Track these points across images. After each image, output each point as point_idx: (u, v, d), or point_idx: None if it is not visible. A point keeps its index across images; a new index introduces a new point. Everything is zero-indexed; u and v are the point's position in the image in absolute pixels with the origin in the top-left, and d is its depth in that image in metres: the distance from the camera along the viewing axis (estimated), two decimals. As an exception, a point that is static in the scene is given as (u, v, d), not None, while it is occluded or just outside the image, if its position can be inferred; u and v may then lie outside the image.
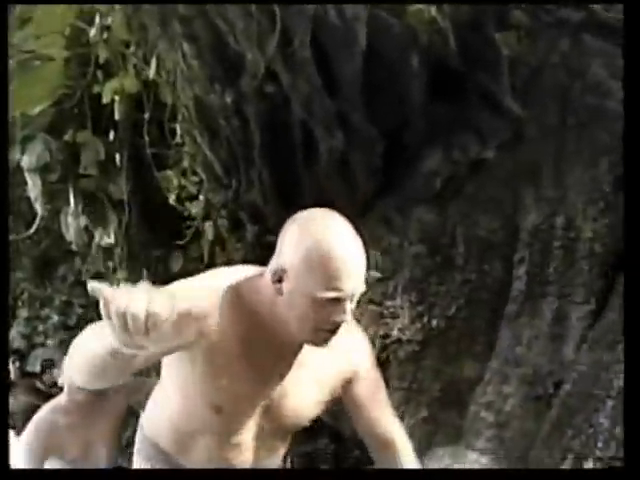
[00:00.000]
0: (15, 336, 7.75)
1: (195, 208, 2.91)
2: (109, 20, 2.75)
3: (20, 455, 2.89)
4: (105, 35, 2.77)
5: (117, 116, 2.97)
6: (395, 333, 2.85)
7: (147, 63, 2.65)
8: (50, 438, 2.92)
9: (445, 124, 2.71)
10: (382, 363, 2.89)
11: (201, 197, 2.81)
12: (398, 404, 2.88)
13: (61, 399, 3.04)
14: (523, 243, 2.66)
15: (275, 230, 2.88)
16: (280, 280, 1.41)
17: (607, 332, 2.48)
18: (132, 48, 2.70)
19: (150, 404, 1.82)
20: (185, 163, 2.81)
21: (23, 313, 7.31)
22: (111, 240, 3.54)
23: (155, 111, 2.84)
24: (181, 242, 3.10)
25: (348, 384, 1.65)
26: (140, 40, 2.61)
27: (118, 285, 3.38)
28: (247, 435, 1.58)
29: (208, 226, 3.17)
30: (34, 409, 5.59)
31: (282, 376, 1.54)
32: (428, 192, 2.77)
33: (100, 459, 3.16)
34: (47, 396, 6.32)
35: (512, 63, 2.57)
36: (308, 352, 1.51)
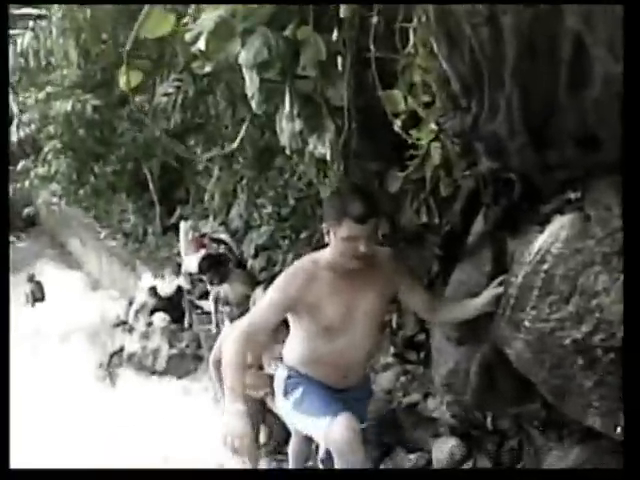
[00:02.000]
0: (234, 217, 8.04)
1: (423, 135, 2.44)
2: None
3: (272, 290, 2.76)
4: None
5: (342, 13, 2.54)
6: None
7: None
8: (307, 287, 2.72)
9: None
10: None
11: (431, 124, 2.33)
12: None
13: (326, 254, 2.81)
14: None
15: (520, 169, 2.34)
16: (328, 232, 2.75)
17: None
18: None
19: None
20: (416, 78, 2.33)
21: (243, 197, 7.49)
22: (326, 149, 3.21)
23: (386, 10, 2.36)
24: (403, 173, 2.68)
25: None
26: None
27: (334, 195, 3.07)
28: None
29: (435, 148, 2.70)
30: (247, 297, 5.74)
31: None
32: None
33: (360, 334, 2.88)
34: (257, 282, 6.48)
35: None
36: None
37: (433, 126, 2.34)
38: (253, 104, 3.40)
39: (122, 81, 2.75)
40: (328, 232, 2.74)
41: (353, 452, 2.68)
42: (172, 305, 7.87)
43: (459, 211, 3.01)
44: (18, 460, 3.29)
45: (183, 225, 7.62)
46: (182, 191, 9.81)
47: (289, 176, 6.17)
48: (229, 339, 2.73)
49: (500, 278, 2.71)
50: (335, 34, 2.64)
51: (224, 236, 7.50)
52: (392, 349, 4.56)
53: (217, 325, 6.80)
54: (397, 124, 2.43)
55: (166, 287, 7.82)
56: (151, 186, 9.43)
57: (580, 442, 3.02)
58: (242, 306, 5.55)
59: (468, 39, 2.07)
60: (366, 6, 2.46)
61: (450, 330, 3.09)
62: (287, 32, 2.98)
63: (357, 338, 2.90)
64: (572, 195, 2.34)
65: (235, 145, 3.56)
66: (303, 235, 6.47)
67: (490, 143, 2.23)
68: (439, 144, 2.68)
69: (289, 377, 3.02)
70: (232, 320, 6.13)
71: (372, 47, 2.32)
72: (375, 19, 2.29)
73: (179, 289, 7.70)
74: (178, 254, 8.28)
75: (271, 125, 3.87)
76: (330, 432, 2.70)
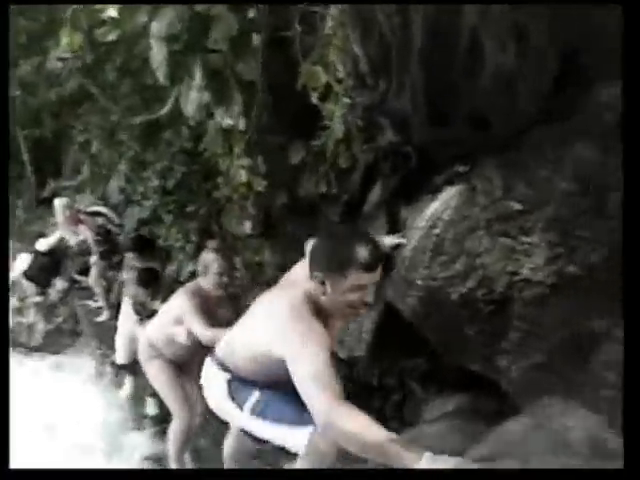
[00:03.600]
0: (113, 190, 7.90)
1: (335, 108, 2.68)
2: None
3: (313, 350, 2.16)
4: None
5: (260, -7, 2.73)
6: (525, 272, 2.65)
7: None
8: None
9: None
10: (505, 301, 2.73)
11: (344, 99, 2.57)
12: (514, 344, 2.74)
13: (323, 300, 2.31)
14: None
15: (418, 144, 2.65)
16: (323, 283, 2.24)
17: None
18: None
19: None
20: (331, 57, 2.57)
21: (123, 168, 7.37)
22: (232, 122, 3.38)
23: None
24: (315, 143, 2.92)
25: None
26: None
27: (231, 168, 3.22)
28: None
29: (338, 122, 2.96)
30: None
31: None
32: (595, 127, 2.47)
33: None
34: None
35: None
36: None
37: (346, 100, 2.59)
38: (159, 75, 3.49)
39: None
40: (323, 282, 2.25)
41: (332, 464, 2.41)
42: (49, 266, 7.57)
43: (358, 181, 3.28)
44: None
45: (58, 202, 7.22)
46: (54, 163, 9.49)
47: (177, 150, 6.21)
48: (343, 421, 2.02)
49: (402, 233, 2.94)
50: (252, 13, 2.81)
51: (102, 209, 7.29)
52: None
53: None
54: (314, 97, 2.65)
55: (45, 242, 7.45)
56: (25, 157, 9.05)
57: (458, 391, 3.41)
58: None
59: (379, 26, 2.33)
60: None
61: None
62: (200, 7, 3.12)
63: None
64: (461, 168, 2.68)
65: (164, 111, 3.64)
66: (188, 209, 6.53)
67: (395, 118, 2.51)
68: (342, 118, 2.94)
69: (232, 380, 2.63)
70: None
71: (297, 26, 2.52)
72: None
73: (61, 240, 7.32)
74: (53, 225, 7.99)
75: (163, 98, 3.98)
76: (315, 444, 2.39)
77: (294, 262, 4.52)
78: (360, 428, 1.97)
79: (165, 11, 3.19)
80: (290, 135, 3.36)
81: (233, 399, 2.60)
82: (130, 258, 5.55)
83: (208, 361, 2.72)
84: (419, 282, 2.84)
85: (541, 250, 2.61)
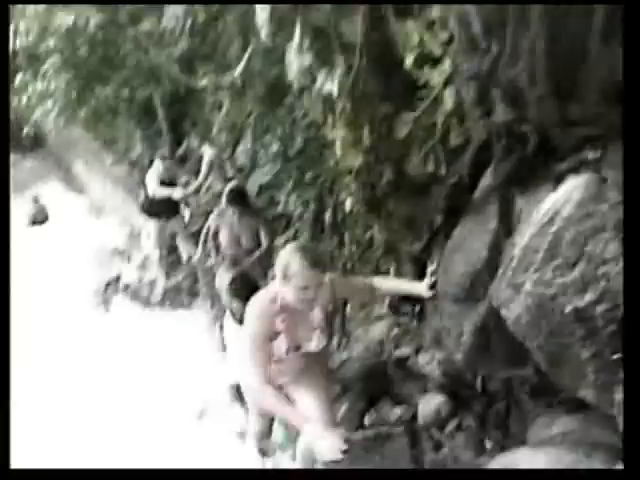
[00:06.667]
0: (240, 154, 7.81)
1: (436, 75, 2.26)
2: None
3: None
4: None
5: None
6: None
7: None
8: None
9: None
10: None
11: (447, 62, 2.15)
12: None
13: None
14: None
15: (536, 122, 2.18)
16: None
17: None
18: None
19: None
20: (434, 13, 2.14)
21: (248, 134, 7.25)
22: (334, 87, 3.04)
23: None
24: (415, 113, 2.52)
25: None
26: None
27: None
28: None
29: (448, 93, 2.54)
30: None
31: None
32: None
33: None
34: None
35: None
36: None
37: (447, 67, 2.16)
38: (262, 34, 3.21)
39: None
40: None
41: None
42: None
43: (468, 163, 2.85)
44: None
45: (208, 151, 7.34)
46: (190, 123, 9.57)
47: (301, 117, 5.94)
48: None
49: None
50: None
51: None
52: (387, 299, 4.45)
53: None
54: (408, 60, 2.24)
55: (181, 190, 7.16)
56: (160, 115, 9.18)
57: (569, 412, 2.94)
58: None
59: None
60: None
61: (448, 286, 2.97)
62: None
63: None
64: (590, 154, 2.18)
65: (237, 74, 3.38)
66: (308, 176, 6.29)
67: (508, 90, 2.06)
68: (454, 89, 2.51)
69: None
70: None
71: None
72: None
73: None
74: (186, 184, 7.86)
75: (283, 60, 3.69)
76: None
77: (403, 241, 4.13)
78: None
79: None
80: (396, 105, 2.97)
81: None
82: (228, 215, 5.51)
83: None
84: (527, 287, 2.39)
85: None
